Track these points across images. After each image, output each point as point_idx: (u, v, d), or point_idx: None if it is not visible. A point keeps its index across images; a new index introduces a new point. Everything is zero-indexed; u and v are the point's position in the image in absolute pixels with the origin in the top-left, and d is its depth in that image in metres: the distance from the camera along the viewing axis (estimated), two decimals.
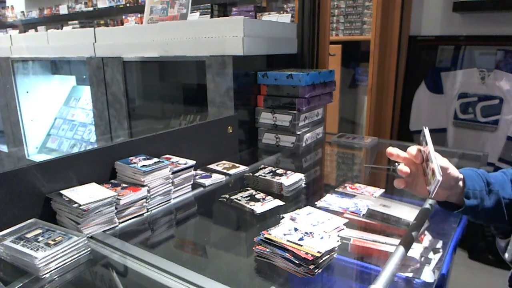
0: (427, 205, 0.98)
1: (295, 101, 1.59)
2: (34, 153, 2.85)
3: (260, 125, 1.69)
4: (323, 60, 2.00)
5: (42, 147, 2.90)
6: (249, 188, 1.19)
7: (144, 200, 1.03)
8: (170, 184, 1.11)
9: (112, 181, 1.08)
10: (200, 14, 2.71)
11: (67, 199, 0.91)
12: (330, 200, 1.10)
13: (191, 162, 1.18)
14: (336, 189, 1.18)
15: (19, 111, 2.69)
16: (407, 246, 0.77)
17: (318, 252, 0.75)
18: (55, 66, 2.84)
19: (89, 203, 0.89)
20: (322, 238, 0.81)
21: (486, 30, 2.25)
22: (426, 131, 0.81)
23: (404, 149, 0.84)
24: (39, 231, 0.86)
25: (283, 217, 0.97)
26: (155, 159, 1.11)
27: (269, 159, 1.56)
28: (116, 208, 0.95)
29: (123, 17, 4.77)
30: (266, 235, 0.80)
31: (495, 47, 2.23)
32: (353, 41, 3.19)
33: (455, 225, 0.98)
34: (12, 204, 0.89)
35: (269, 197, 1.12)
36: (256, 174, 1.23)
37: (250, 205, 1.06)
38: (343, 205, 1.05)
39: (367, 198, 1.11)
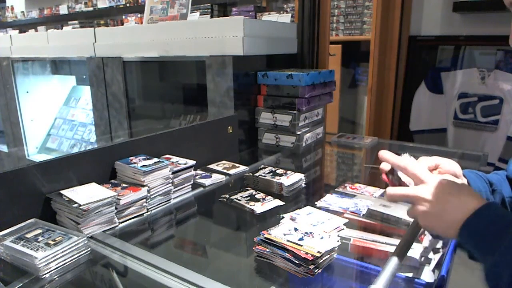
0: None
1: (295, 101, 1.59)
2: (34, 153, 2.85)
3: (260, 125, 1.69)
4: (323, 60, 2.00)
5: (42, 147, 2.90)
6: (249, 188, 1.19)
7: (144, 200, 1.03)
8: (170, 184, 1.11)
9: (112, 181, 1.08)
10: (200, 14, 2.71)
11: (67, 199, 0.91)
12: (330, 200, 1.10)
13: (191, 162, 1.18)
14: (336, 189, 1.18)
15: (19, 111, 2.69)
16: (407, 246, 0.77)
17: (318, 252, 0.75)
18: (55, 66, 2.84)
19: (89, 203, 0.89)
20: (322, 238, 0.81)
21: (486, 30, 2.25)
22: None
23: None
24: (39, 231, 0.86)
25: (283, 217, 0.97)
26: (155, 159, 1.11)
27: (269, 159, 1.56)
28: (116, 208, 0.95)
29: (123, 17, 4.77)
30: (266, 235, 0.80)
31: (495, 47, 2.23)
32: (353, 41, 3.19)
33: None
34: (12, 204, 0.89)
35: (269, 197, 1.12)
36: (256, 174, 1.23)
37: (250, 205, 1.06)
38: (343, 205, 1.05)
39: (367, 198, 1.11)
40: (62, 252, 0.80)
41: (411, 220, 0.91)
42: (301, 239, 0.80)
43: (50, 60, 2.63)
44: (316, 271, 0.73)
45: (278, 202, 1.09)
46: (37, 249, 0.78)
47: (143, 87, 2.17)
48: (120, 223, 0.97)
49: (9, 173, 0.88)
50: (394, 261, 0.69)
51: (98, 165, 1.07)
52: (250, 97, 1.68)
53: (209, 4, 3.61)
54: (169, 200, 1.12)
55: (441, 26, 2.41)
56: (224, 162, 1.43)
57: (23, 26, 5.99)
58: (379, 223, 0.98)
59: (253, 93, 1.68)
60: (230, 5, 3.66)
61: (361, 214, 1.01)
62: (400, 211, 1.01)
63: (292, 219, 0.95)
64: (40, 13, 5.77)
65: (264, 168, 1.30)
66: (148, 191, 1.03)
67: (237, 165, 1.39)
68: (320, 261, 0.74)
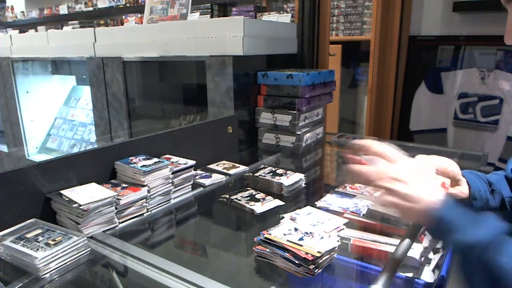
0: None
1: (295, 101, 1.59)
2: (34, 153, 2.85)
3: (260, 125, 1.69)
4: (323, 60, 2.00)
5: (42, 147, 2.90)
6: (249, 188, 1.19)
7: (144, 200, 1.03)
8: (170, 184, 1.11)
9: (112, 181, 1.08)
10: (200, 14, 2.71)
11: (67, 199, 0.91)
12: (330, 200, 1.10)
13: (191, 162, 1.18)
14: (336, 189, 1.18)
15: (19, 111, 2.69)
16: (407, 246, 0.77)
17: (318, 252, 0.75)
18: (55, 66, 2.84)
19: (89, 203, 0.89)
20: (322, 238, 0.81)
21: (486, 30, 2.25)
22: None
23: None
24: (39, 231, 0.86)
25: (283, 217, 0.97)
26: (155, 159, 1.11)
27: (269, 159, 1.56)
28: (116, 208, 0.95)
29: (123, 17, 4.76)
30: (266, 235, 0.80)
31: (495, 47, 2.23)
32: (353, 41, 3.18)
33: None
34: (12, 204, 0.89)
35: (269, 197, 1.12)
36: (256, 174, 1.23)
37: (250, 205, 1.06)
38: (343, 205, 1.05)
39: (367, 198, 1.11)
40: (62, 252, 0.80)
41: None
42: (301, 239, 0.80)
43: (50, 60, 2.63)
44: (316, 271, 0.73)
45: (278, 202, 1.09)
46: (37, 249, 0.78)
47: (143, 87, 2.17)
48: (120, 223, 0.97)
49: (9, 173, 0.88)
50: (394, 261, 0.69)
51: (98, 165, 1.07)
52: (250, 97, 1.68)
53: (209, 4, 3.61)
54: (169, 200, 1.12)
55: (441, 26, 2.41)
56: (224, 162, 1.43)
57: (23, 26, 5.99)
58: (379, 223, 0.98)
59: (253, 93, 1.68)
60: (230, 5, 3.66)
61: (361, 214, 1.01)
62: None
63: (292, 219, 0.95)
64: (40, 13, 5.76)
65: (264, 168, 1.30)
66: (148, 191, 1.03)
67: (237, 165, 1.39)
68: (320, 261, 0.74)
